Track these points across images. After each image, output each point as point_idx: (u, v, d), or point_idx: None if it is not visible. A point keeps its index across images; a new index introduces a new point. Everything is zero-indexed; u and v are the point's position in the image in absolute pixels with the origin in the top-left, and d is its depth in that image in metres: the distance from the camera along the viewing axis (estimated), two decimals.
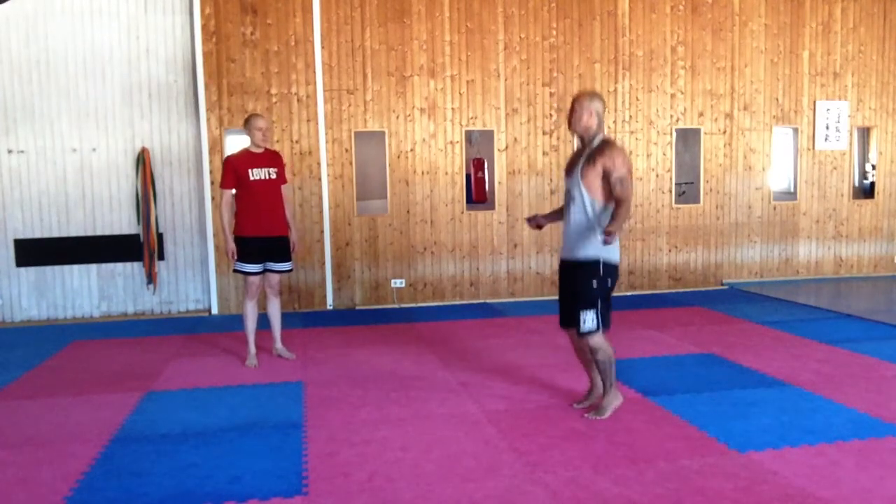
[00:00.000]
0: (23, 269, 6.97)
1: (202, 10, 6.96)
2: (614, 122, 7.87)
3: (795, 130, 8.57)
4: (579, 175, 3.84)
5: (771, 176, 8.54)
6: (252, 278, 5.16)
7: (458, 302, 7.70)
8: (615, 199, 3.75)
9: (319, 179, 7.31)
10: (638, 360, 5.13)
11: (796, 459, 3.33)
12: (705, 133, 8.20)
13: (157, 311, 7.24)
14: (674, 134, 8.11)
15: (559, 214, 4.27)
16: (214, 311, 7.26)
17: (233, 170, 5.06)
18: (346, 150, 7.35)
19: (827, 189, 8.65)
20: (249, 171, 5.03)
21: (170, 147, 7.11)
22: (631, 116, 7.95)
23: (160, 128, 7.09)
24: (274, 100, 7.16)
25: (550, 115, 7.77)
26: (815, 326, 6.16)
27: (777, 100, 8.37)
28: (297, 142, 7.24)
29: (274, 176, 5.12)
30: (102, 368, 5.23)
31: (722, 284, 8.40)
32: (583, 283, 3.86)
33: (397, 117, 7.42)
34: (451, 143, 7.57)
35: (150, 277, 7.09)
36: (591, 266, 3.84)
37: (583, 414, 4.03)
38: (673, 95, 8.04)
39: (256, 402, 4.38)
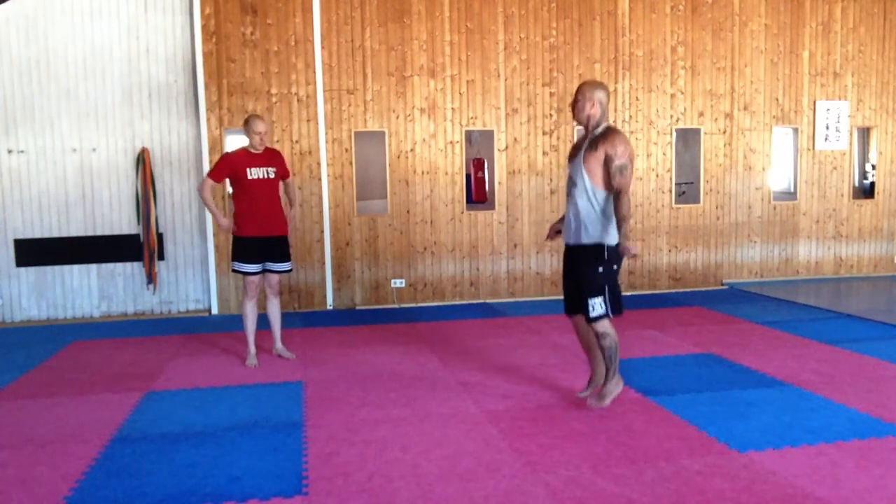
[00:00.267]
0: (23, 269, 6.97)
1: (202, 10, 6.96)
2: (614, 121, 7.86)
3: (795, 130, 8.57)
4: (581, 161, 3.85)
5: (771, 176, 8.54)
6: (251, 278, 5.15)
7: (458, 302, 7.70)
8: (615, 189, 3.75)
9: (319, 179, 7.31)
10: (638, 360, 5.13)
11: (796, 459, 3.33)
12: (705, 133, 8.20)
13: (157, 311, 7.24)
14: (674, 134, 8.11)
15: None
16: (214, 311, 7.26)
17: (227, 167, 5.05)
18: (346, 150, 7.35)
19: (827, 189, 8.65)
20: (247, 170, 5.02)
21: (170, 147, 7.11)
22: (631, 116, 7.95)
23: (160, 128, 7.09)
24: (274, 100, 7.16)
25: (550, 115, 7.77)
26: (815, 326, 6.16)
27: (777, 100, 8.37)
28: (297, 142, 7.24)
29: (272, 175, 5.11)
30: (102, 368, 5.23)
31: (722, 284, 8.40)
32: (588, 269, 3.87)
33: (397, 117, 7.43)
34: (451, 143, 7.57)
35: (150, 277, 7.09)
36: (596, 251, 3.86)
37: (586, 401, 4.06)
38: (673, 95, 8.04)
39: (256, 402, 4.38)
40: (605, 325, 3.90)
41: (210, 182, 5.09)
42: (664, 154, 8.09)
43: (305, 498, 3.04)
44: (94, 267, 7.11)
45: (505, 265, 7.81)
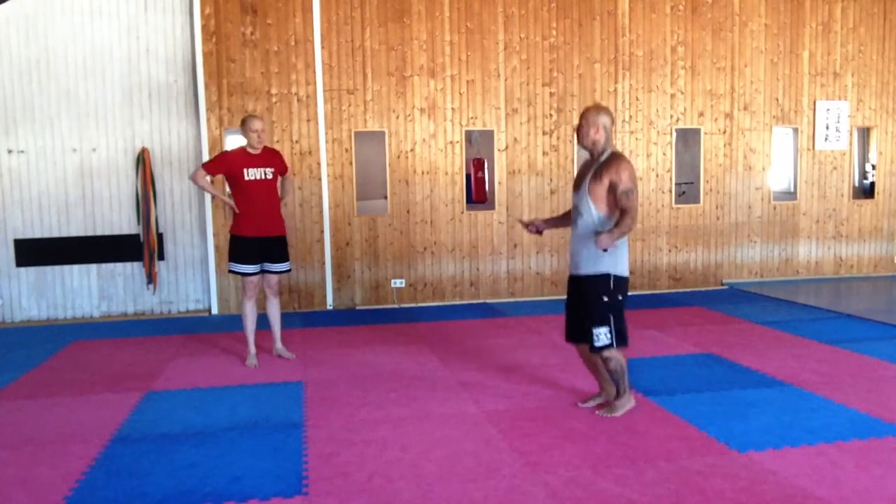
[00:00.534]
0: (23, 269, 6.97)
1: (202, 10, 6.96)
2: (615, 121, 7.86)
3: (795, 130, 8.57)
4: (587, 190, 3.86)
5: (771, 176, 8.54)
6: (249, 278, 5.15)
7: (458, 302, 7.70)
8: (620, 209, 3.77)
9: (319, 179, 7.31)
10: (638, 360, 5.12)
11: (796, 459, 3.33)
12: (705, 133, 8.20)
13: (157, 311, 7.24)
14: (674, 134, 8.11)
15: (560, 221, 4.31)
16: (214, 311, 7.26)
17: (224, 164, 5.05)
18: (346, 150, 7.35)
19: (827, 189, 8.65)
20: (245, 170, 5.00)
21: (170, 147, 7.11)
22: (631, 116, 7.95)
23: (160, 128, 7.09)
24: (274, 100, 7.16)
25: (550, 115, 7.77)
26: (815, 326, 6.16)
27: (777, 100, 8.37)
28: (297, 142, 7.24)
29: (270, 176, 5.09)
30: (102, 368, 5.23)
31: (722, 284, 8.40)
32: (593, 299, 3.86)
33: (397, 117, 7.43)
34: (451, 143, 7.57)
35: (150, 277, 7.09)
36: (601, 281, 3.85)
37: (594, 411, 4.05)
38: (673, 95, 8.04)
39: (256, 402, 4.38)
40: (609, 352, 3.88)
41: (202, 171, 5.09)
42: (664, 154, 8.09)
43: (305, 498, 3.04)
44: (94, 267, 7.11)
45: (505, 265, 7.81)
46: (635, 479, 3.16)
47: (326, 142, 7.30)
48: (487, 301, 7.76)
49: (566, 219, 4.18)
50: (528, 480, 3.17)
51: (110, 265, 7.13)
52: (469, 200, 8.91)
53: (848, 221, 8.75)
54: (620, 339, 3.89)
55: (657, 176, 8.08)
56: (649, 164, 8.02)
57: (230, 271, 5.22)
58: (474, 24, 7.52)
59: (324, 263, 7.42)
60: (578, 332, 4.01)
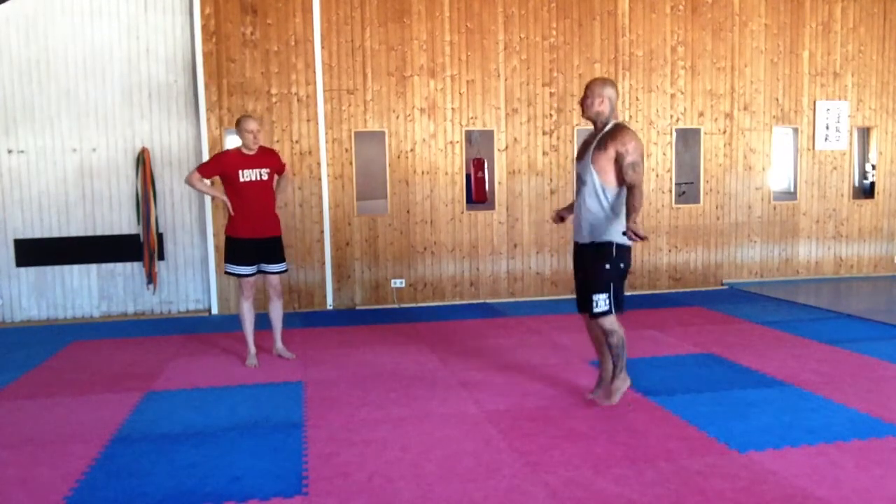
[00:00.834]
0: (23, 269, 6.97)
1: (202, 10, 6.96)
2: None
3: (795, 130, 8.57)
4: (590, 160, 3.87)
5: (771, 176, 8.54)
6: (245, 279, 5.15)
7: (458, 302, 7.70)
8: (627, 184, 3.78)
9: (319, 179, 7.31)
10: (638, 360, 5.12)
11: (796, 459, 3.33)
12: (705, 133, 8.20)
13: (157, 311, 7.24)
14: (674, 134, 8.11)
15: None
16: (214, 311, 7.26)
17: (219, 166, 5.04)
18: (346, 150, 7.35)
19: (827, 189, 8.65)
20: (240, 172, 4.99)
21: (170, 147, 7.11)
22: (631, 116, 7.95)
23: (160, 128, 7.09)
24: (274, 100, 7.16)
25: (550, 115, 7.77)
26: (815, 326, 6.16)
27: (777, 100, 8.37)
28: (297, 142, 7.24)
29: (265, 177, 5.08)
30: (102, 368, 5.23)
31: (722, 284, 8.40)
32: (595, 266, 3.91)
33: (397, 117, 7.43)
34: (451, 143, 7.57)
35: (150, 277, 7.09)
36: (604, 249, 3.89)
37: (593, 403, 4.09)
38: (673, 95, 8.04)
39: (256, 402, 4.38)
40: (611, 322, 3.93)
41: (197, 175, 5.08)
42: (664, 154, 8.09)
43: (305, 498, 3.04)
44: (94, 267, 7.11)
45: (505, 265, 7.81)
46: (635, 479, 3.16)
47: (326, 142, 7.30)
48: (487, 301, 7.76)
49: None
50: (528, 480, 3.17)
51: (110, 265, 7.13)
52: (469, 200, 8.92)
53: (848, 221, 8.75)
54: (617, 306, 3.93)
55: (657, 176, 8.08)
56: (649, 164, 8.02)
57: (226, 272, 5.22)
58: (474, 24, 7.52)
59: (324, 263, 7.42)
60: (585, 301, 4.04)
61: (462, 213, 7.67)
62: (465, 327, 6.47)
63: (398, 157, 7.47)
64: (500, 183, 7.78)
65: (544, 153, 7.80)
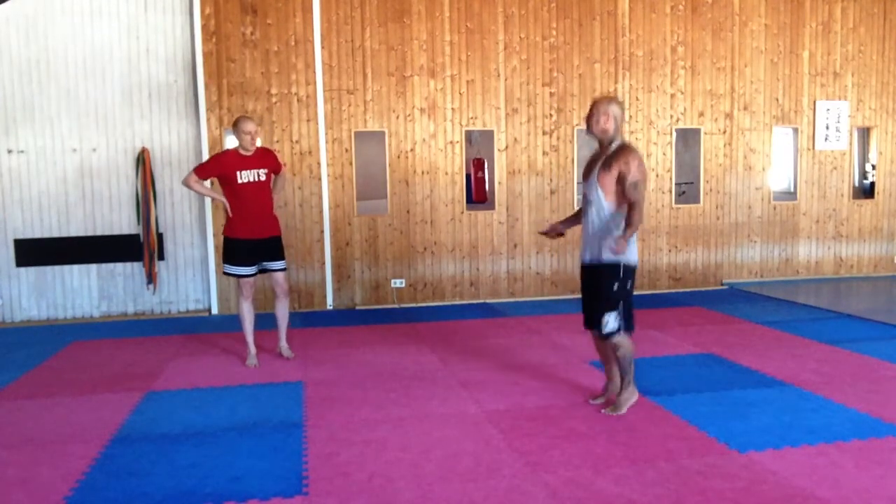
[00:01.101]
0: (23, 269, 6.97)
1: (202, 10, 6.96)
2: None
3: (795, 130, 8.57)
4: (596, 179, 3.89)
5: (771, 176, 8.54)
6: (244, 279, 5.14)
7: (458, 302, 7.70)
8: (628, 201, 3.80)
9: (319, 179, 7.31)
10: (638, 360, 5.08)
11: (796, 459, 3.33)
12: (705, 133, 8.20)
13: (157, 311, 7.24)
14: (674, 134, 8.11)
15: (575, 219, 4.34)
16: (214, 311, 7.26)
17: (216, 167, 5.03)
18: (346, 150, 7.35)
19: (827, 189, 8.65)
20: (238, 173, 4.97)
21: (170, 147, 7.11)
22: (631, 116, 7.95)
23: (160, 128, 7.09)
24: (274, 100, 7.16)
25: (550, 115, 7.77)
26: (815, 326, 6.16)
27: (777, 100, 8.37)
28: (297, 142, 7.24)
29: (263, 177, 5.07)
30: (102, 368, 5.23)
31: (722, 284, 8.40)
32: (604, 286, 3.93)
33: (397, 117, 7.43)
34: (451, 143, 7.57)
35: (150, 277, 7.09)
36: (612, 269, 3.91)
37: (599, 410, 4.08)
38: (673, 95, 8.04)
39: (256, 402, 4.38)
40: (619, 338, 3.96)
41: (195, 176, 5.07)
42: (664, 154, 8.09)
43: (305, 498, 3.04)
44: (94, 267, 7.11)
45: (505, 265, 7.81)
46: (635, 479, 3.16)
47: (326, 142, 7.30)
48: (487, 301, 7.76)
49: (580, 216, 4.20)
50: (528, 480, 3.17)
51: (110, 265, 7.13)
52: (469, 200, 8.91)
53: (848, 221, 8.75)
54: (627, 325, 3.97)
55: (657, 176, 8.08)
56: (649, 164, 8.02)
57: (225, 273, 5.22)
58: (474, 24, 7.52)
59: (324, 263, 7.42)
60: (593, 319, 4.05)
61: (462, 213, 7.67)
62: (465, 327, 6.47)
63: (398, 157, 7.47)
64: (500, 183, 7.78)
65: (544, 153, 7.80)
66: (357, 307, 7.52)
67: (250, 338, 5.30)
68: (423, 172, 7.53)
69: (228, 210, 5.06)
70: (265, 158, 5.12)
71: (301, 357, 5.45)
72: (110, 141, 7.01)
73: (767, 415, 3.94)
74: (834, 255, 8.76)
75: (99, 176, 7.01)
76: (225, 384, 4.78)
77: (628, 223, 3.79)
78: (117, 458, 3.51)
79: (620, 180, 3.81)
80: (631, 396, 4.04)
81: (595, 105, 3.94)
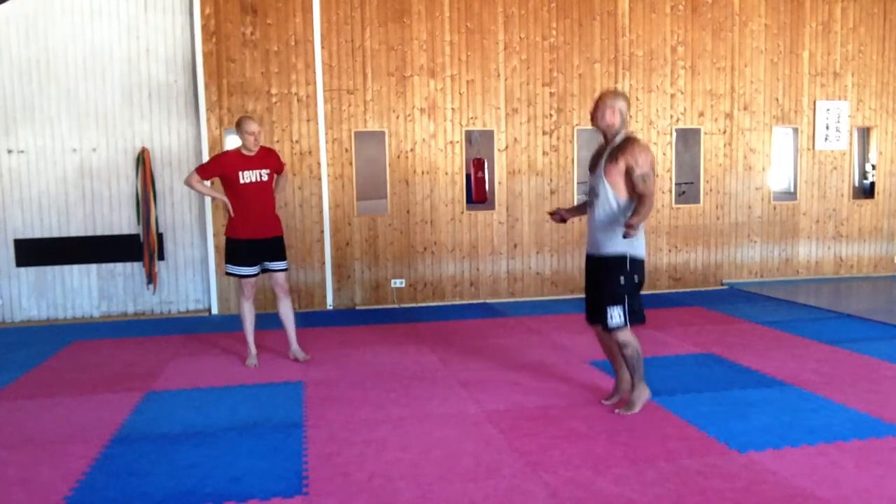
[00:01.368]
0: (23, 269, 6.97)
1: (202, 10, 6.96)
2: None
3: (795, 130, 8.57)
4: (602, 172, 3.87)
5: (771, 176, 8.54)
6: (246, 279, 5.14)
7: (458, 302, 7.70)
8: (637, 194, 3.79)
9: (319, 179, 7.31)
10: None
11: (796, 459, 3.33)
12: (705, 133, 8.20)
13: (157, 311, 7.25)
14: (674, 134, 8.12)
15: (580, 209, 4.31)
16: (214, 311, 7.26)
17: (218, 167, 5.02)
18: (346, 150, 7.35)
19: (827, 189, 8.65)
20: (240, 173, 4.97)
21: (170, 147, 7.11)
22: (631, 116, 7.94)
23: (160, 128, 7.09)
24: (274, 100, 7.16)
25: (550, 115, 7.77)
26: (815, 326, 6.16)
27: (777, 100, 8.37)
28: (297, 142, 7.24)
29: (265, 178, 5.06)
30: (102, 368, 5.23)
31: (722, 284, 8.40)
32: (610, 279, 3.90)
33: (397, 117, 7.43)
34: (451, 143, 7.57)
35: (150, 277, 7.09)
36: (618, 262, 3.88)
37: (612, 410, 4.06)
38: (673, 95, 8.04)
39: (256, 402, 4.38)
40: (625, 335, 3.92)
41: (197, 176, 5.07)
42: (664, 154, 8.09)
43: (305, 498, 3.04)
44: (94, 267, 7.11)
45: (505, 265, 7.81)
46: (635, 479, 3.16)
47: (326, 142, 7.30)
48: (487, 301, 7.76)
49: (585, 208, 4.19)
50: (528, 480, 3.17)
51: (110, 265, 7.13)
52: (469, 200, 8.92)
53: (848, 221, 8.75)
54: (636, 317, 3.94)
55: (657, 176, 8.07)
56: None
57: (227, 273, 5.21)
58: (474, 24, 7.52)
59: (324, 263, 7.42)
60: (596, 313, 4.03)
61: (462, 213, 7.67)
62: (465, 327, 6.47)
63: (398, 157, 7.47)
64: (500, 183, 7.78)
65: (544, 153, 7.80)
66: (357, 307, 7.52)
67: (251, 338, 5.29)
68: (423, 172, 7.53)
69: (230, 210, 5.06)
70: (267, 158, 5.12)
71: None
72: (110, 141, 7.01)
73: (767, 415, 3.94)
74: (834, 255, 8.76)
75: (99, 176, 7.01)
76: (225, 384, 4.78)
77: (636, 211, 3.74)
78: (117, 458, 3.51)
79: (628, 173, 3.80)
80: (643, 394, 4.02)
81: (601, 99, 3.93)
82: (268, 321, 6.13)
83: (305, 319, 6.92)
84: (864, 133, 9.73)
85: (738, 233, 8.42)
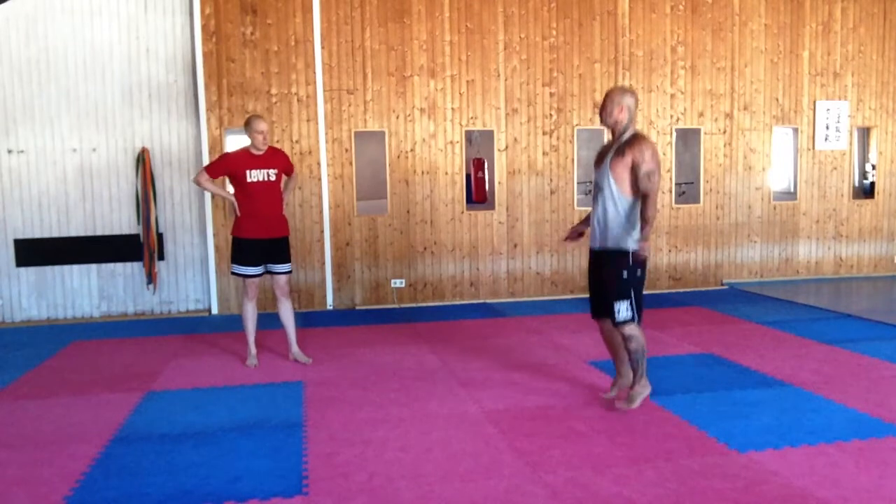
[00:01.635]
0: (23, 269, 6.97)
1: (202, 10, 6.96)
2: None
3: (795, 130, 8.57)
4: (608, 167, 3.88)
5: (771, 176, 8.54)
6: (251, 280, 5.13)
7: (458, 302, 7.70)
8: (642, 193, 3.81)
9: (319, 179, 7.31)
10: None
11: (796, 459, 3.33)
12: (705, 133, 8.20)
13: (157, 311, 7.24)
14: (674, 134, 8.12)
15: (588, 220, 4.32)
16: (214, 311, 7.26)
17: (225, 166, 5.03)
18: (346, 150, 7.35)
19: (827, 189, 8.65)
20: (248, 172, 4.97)
21: (170, 147, 7.11)
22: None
23: (160, 128, 7.09)
24: (274, 100, 7.16)
25: (550, 115, 7.77)
26: (815, 326, 6.16)
27: (777, 100, 8.37)
28: (297, 142, 7.24)
29: (273, 177, 5.06)
30: (102, 368, 5.23)
31: (722, 284, 8.40)
32: (613, 275, 3.92)
33: (397, 117, 7.43)
34: (451, 143, 7.57)
35: (150, 277, 7.09)
36: (621, 256, 3.90)
37: (612, 403, 4.08)
38: (673, 95, 8.04)
39: (256, 402, 4.38)
40: (632, 329, 3.93)
41: (205, 175, 5.08)
42: (664, 154, 8.09)
43: (305, 498, 3.04)
44: (94, 267, 7.11)
45: (505, 265, 7.81)
46: (635, 479, 3.16)
47: (326, 142, 7.30)
48: (487, 301, 7.76)
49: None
50: (528, 480, 3.17)
51: (110, 265, 7.13)
52: (469, 200, 8.91)
53: (848, 221, 8.75)
54: (639, 312, 3.95)
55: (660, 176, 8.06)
56: None
57: (232, 273, 5.19)
58: (474, 24, 7.52)
59: (324, 263, 7.42)
60: (602, 308, 4.04)
61: (462, 213, 7.67)
62: (465, 327, 6.47)
63: (398, 157, 7.47)
64: (500, 183, 7.78)
65: (544, 153, 7.80)
66: (357, 307, 7.52)
67: (251, 338, 5.29)
68: (423, 172, 7.53)
69: (237, 209, 5.06)
70: (276, 158, 5.11)
71: None
72: (110, 141, 7.01)
73: (767, 415, 3.94)
74: (834, 255, 8.76)
75: (99, 176, 7.01)
76: (225, 384, 4.78)
77: (644, 219, 3.78)
78: (117, 458, 3.51)
79: (634, 169, 3.81)
80: (644, 390, 4.03)
81: (608, 96, 3.93)
82: (268, 321, 6.13)
83: (305, 319, 6.92)
84: (864, 133, 9.73)
85: (738, 233, 8.42)
